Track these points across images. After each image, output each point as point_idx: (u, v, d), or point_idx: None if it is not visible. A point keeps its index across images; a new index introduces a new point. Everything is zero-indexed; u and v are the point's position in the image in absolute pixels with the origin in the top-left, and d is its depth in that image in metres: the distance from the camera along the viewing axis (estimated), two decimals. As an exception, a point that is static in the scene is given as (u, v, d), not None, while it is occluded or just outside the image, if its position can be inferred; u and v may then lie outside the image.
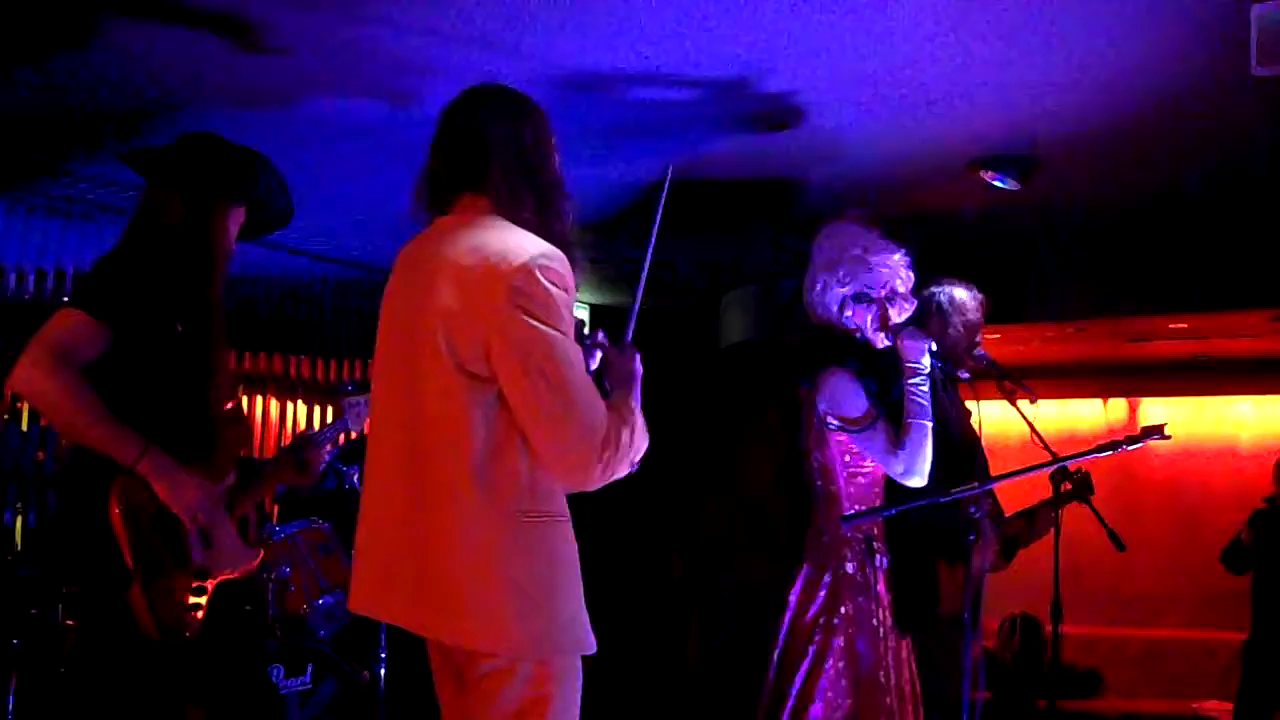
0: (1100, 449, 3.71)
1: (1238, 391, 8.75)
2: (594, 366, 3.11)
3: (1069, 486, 4.58)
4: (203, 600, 3.48)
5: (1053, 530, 4.48)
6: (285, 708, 5.02)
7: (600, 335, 3.14)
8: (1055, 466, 4.07)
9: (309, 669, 5.15)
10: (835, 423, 3.98)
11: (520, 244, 2.71)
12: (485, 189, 2.84)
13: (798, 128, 4.87)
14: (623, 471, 2.77)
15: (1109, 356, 8.46)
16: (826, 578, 4.01)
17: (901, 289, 4.08)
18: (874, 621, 3.96)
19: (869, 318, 4.07)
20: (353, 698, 5.28)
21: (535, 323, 2.64)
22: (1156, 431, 3.64)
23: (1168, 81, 4.38)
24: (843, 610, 3.97)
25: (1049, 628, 4.51)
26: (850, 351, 4.07)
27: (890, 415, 3.96)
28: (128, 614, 3.32)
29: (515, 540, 2.68)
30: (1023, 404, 4.50)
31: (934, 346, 4.03)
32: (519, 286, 2.64)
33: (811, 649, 3.97)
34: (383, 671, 5.48)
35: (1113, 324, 7.21)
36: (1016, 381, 4.55)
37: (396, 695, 5.48)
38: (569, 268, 2.74)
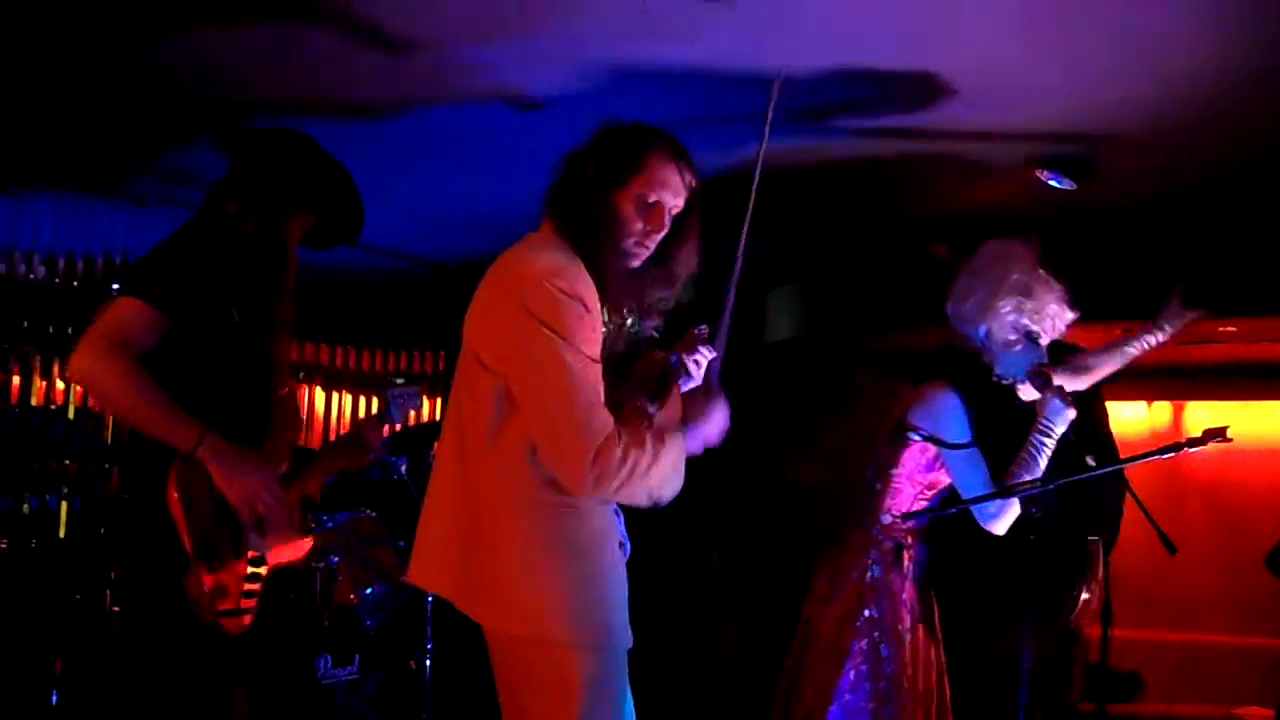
0: (1163, 450, 3.69)
1: (1283, 396, 8.67)
2: (695, 380, 3.14)
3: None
4: (258, 587, 3.50)
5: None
6: (333, 697, 5.04)
7: (701, 333, 3.19)
8: (1114, 470, 4.05)
9: (356, 659, 5.17)
10: (923, 433, 3.89)
11: (545, 257, 2.86)
12: (551, 212, 3.00)
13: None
14: (633, 496, 2.82)
15: (1155, 359, 8.37)
16: (854, 574, 3.99)
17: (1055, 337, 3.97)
18: (900, 627, 3.92)
19: (1028, 361, 3.94)
20: (399, 687, 5.30)
21: (539, 324, 2.75)
22: (1218, 434, 3.62)
23: (1231, 82, 4.34)
24: (866, 614, 3.93)
25: (1089, 630, 4.48)
26: (964, 374, 3.99)
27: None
28: (184, 599, 3.35)
29: (525, 526, 2.82)
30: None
31: (1074, 416, 3.86)
32: (528, 289, 2.79)
33: (833, 648, 3.97)
34: (429, 662, 5.50)
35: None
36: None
37: (442, 685, 5.50)
38: (587, 281, 2.84)
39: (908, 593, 3.98)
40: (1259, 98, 4.46)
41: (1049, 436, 3.85)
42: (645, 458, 2.77)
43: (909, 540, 4.00)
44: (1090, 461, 3.70)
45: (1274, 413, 8.76)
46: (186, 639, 3.39)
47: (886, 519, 4.01)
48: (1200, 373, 8.54)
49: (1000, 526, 3.83)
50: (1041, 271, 3.96)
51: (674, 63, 4.23)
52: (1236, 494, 8.56)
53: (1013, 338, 3.94)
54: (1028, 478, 3.80)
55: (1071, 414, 3.85)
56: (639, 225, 2.96)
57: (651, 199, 2.96)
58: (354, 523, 5.56)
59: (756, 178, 3.19)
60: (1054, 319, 3.97)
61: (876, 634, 3.92)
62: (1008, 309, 3.93)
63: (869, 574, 3.97)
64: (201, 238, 3.52)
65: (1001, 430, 3.92)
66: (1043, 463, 3.83)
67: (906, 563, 3.99)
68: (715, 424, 3.03)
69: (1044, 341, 3.95)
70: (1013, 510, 3.83)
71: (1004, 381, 4.02)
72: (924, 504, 4.02)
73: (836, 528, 4.20)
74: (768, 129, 3.22)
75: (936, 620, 4.09)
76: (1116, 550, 4.43)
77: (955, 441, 3.89)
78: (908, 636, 3.93)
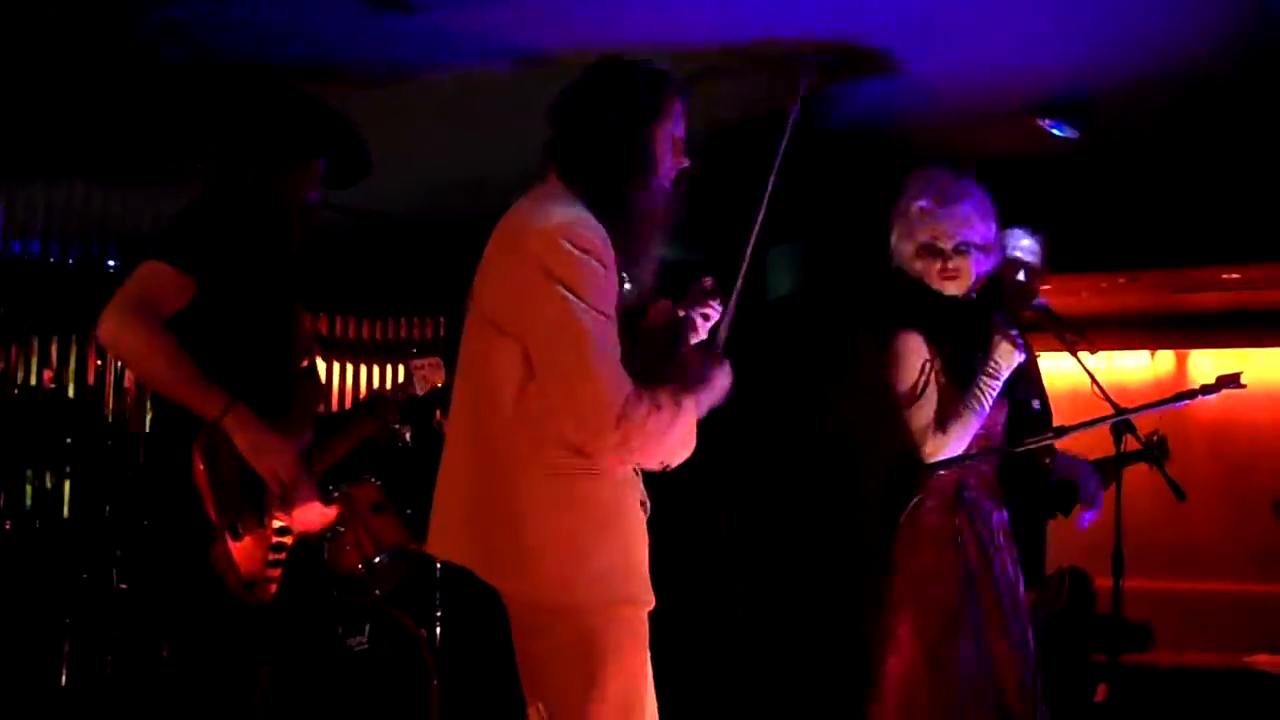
0: (1178, 398, 3.68)
1: (1288, 342, 8.65)
2: (700, 335, 3.12)
3: (1139, 445, 4.51)
4: (283, 556, 3.51)
5: (1114, 484, 4.43)
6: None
7: (708, 286, 3.14)
8: (1120, 418, 4.05)
9: (366, 628, 5.17)
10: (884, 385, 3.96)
11: (560, 210, 2.75)
12: (558, 162, 2.90)
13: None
14: (646, 459, 2.80)
15: (1158, 308, 8.39)
16: (906, 532, 4.00)
17: (978, 241, 3.98)
18: (961, 572, 3.90)
19: (935, 269, 3.97)
20: (408, 655, 5.29)
21: (556, 284, 2.66)
22: (1232, 380, 3.60)
23: (1235, 30, 4.32)
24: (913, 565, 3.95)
25: (1098, 581, 4.48)
26: (923, 309, 4.00)
27: (943, 383, 3.92)
28: (210, 569, 3.34)
29: (546, 492, 2.75)
30: (1082, 355, 4.43)
31: (1023, 360, 3.91)
32: (543, 247, 2.69)
33: (888, 600, 3.97)
34: (438, 630, 5.50)
35: (1165, 275, 7.15)
36: (1078, 332, 4.48)
37: (451, 653, 5.50)
38: (605, 238, 2.74)
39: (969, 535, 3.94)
40: (1263, 41, 4.43)
41: (995, 379, 3.87)
42: (665, 419, 2.72)
43: (972, 482, 3.94)
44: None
45: (1278, 359, 8.75)
46: (214, 609, 3.39)
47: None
48: (1204, 320, 8.53)
49: (943, 456, 3.86)
50: (940, 185, 4.02)
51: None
52: (1243, 440, 8.55)
53: (917, 262, 4.00)
54: (978, 419, 3.83)
55: (1022, 358, 3.89)
56: (671, 161, 2.92)
57: (679, 134, 2.93)
58: (358, 491, 5.55)
59: (765, 202, 3.12)
60: (961, 225, 3.96)
61: (931, 584, 3.93)
62: (894, 236, 4.05)
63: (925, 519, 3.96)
64: (220, 205, 3.51)
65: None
66: (989, 403, 3.85)
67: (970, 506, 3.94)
68: (717, 387, 2.95)
69: (946, 247, 3.95)
70: (957, 448, 3.86)
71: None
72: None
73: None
74: (778, 161, 3.18)
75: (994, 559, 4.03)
76: (1125, 499, 4.42)
77: (904, 390, 3.91)
78: (973, 580, 3.90)
